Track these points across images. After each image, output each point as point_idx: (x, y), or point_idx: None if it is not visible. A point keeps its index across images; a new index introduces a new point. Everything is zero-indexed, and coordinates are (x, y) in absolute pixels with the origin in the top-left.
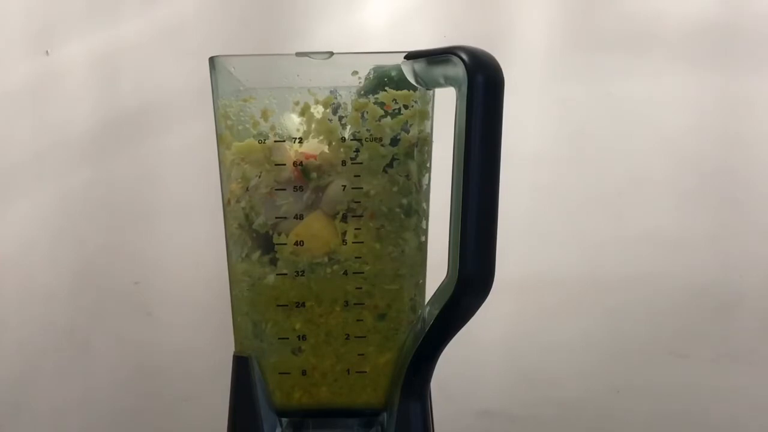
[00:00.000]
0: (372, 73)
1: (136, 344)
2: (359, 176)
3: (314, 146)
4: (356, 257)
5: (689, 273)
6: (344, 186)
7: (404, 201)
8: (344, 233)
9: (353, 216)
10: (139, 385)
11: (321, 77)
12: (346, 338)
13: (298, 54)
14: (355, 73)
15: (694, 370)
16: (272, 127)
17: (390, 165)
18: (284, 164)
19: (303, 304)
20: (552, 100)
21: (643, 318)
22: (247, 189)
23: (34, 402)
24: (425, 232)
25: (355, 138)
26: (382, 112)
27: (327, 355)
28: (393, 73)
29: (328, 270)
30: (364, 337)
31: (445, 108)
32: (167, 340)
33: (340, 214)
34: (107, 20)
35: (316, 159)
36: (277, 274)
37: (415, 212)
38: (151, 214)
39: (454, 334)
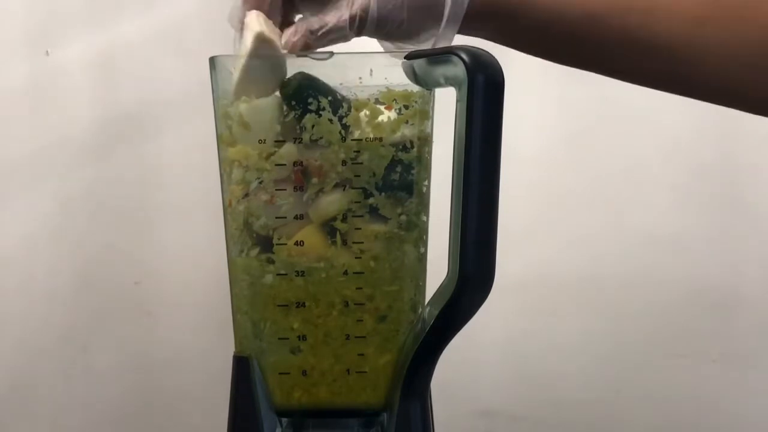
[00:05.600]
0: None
1: (136, 344)
2: (359, 176)
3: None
4: (356, 257)
5: (689, 273)
6: (344, 186)
7: (405, 201)
8: (344, 234)
9: (353, 216)
10: (139, 384)
11: (321, 77)
12: (346, 338)
13: (299, 54)
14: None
15: (694, 370)
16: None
17: (390, 165)
18: (284, 164)
19: (303, 304)
20: (552, 100)
21: (643, 318)
22: (248, 189)
23: (34, 402)
24: (426, 231)
25: (355, 138)
26: (382, 112)
27: (327, 355)
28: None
29: (330, 272)
30: (364, 337)
31: (445, 108)
32: (167, 340)
33: (339, 219)
34: (107, 20)
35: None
36: (276, 274)
37: (416, 212)
38: (151, 215)
39: (455, 334)
